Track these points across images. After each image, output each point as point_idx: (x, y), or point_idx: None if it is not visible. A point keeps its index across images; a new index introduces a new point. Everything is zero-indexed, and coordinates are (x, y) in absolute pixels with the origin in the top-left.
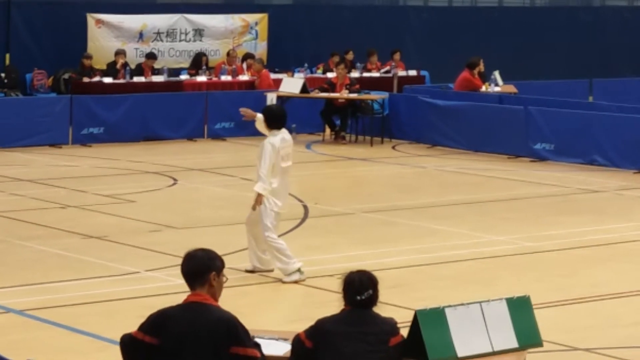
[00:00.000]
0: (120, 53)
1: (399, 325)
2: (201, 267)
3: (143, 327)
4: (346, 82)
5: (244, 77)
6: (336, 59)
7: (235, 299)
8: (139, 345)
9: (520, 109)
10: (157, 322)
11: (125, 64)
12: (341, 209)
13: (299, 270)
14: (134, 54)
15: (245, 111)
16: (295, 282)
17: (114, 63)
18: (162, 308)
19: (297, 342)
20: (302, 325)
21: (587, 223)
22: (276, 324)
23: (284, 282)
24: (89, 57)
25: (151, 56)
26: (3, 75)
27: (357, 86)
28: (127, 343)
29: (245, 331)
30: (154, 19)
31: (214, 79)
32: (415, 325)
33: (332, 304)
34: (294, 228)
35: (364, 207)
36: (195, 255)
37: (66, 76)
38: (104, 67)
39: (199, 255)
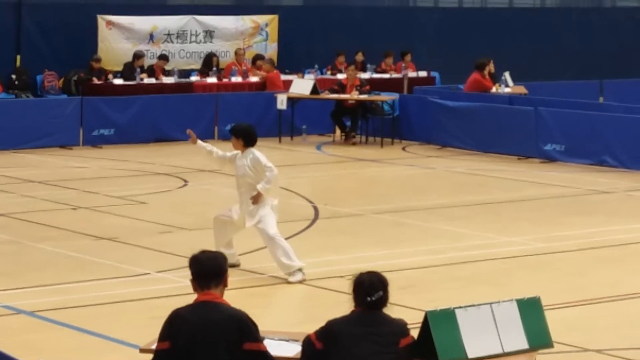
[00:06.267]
0: (141, 56)
1: (409, 326)
2: (220, 268)
3: (160, 336)
4: (356, 83)
5: (254, 79)
6: (342, 58)
7: (245, 300)
8: (162, 355)
9: (531, 109)
10: (170, 324)
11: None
12: (351, 210)
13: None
14: (145, 56)
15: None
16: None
17: (131, 64)
18: (175, 309)
19: (308, 343)
20: (312, 326)
21: (598, 224)
22: (286, 325)
23: (290, 282)
24: (98, 60)
25: (163, 57)
26: (14, 76)
27: (368, 87)
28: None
29: (255, 327)
30: (165, 20)
31: (225, 80)
32: (425, 326)
33: (343, 305)
34: (304, 229)
35: (374, 208)
36: (215, 255)
37: (76, 77)
38: (114, 68)
39: (217, 256)
